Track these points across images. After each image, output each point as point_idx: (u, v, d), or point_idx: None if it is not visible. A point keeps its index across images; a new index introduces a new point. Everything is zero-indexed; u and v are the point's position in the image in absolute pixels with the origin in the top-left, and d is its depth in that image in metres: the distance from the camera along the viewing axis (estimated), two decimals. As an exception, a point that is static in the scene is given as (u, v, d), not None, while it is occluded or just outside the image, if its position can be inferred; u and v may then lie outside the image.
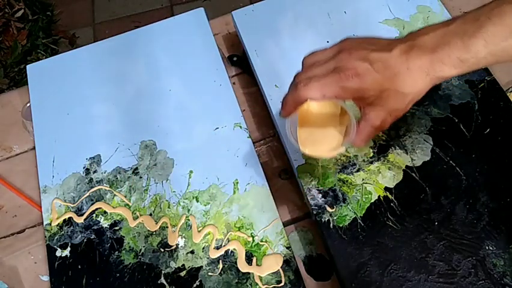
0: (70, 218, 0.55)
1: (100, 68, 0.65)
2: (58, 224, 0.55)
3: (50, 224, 0.55)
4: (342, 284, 0.47)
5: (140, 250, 0.52)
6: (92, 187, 0.57)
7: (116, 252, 0.52)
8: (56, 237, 0.54)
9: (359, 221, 0.49)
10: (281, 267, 0.49)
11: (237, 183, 0.54)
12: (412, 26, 0.60)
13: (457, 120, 0.54)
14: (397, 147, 0.53)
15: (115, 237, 0.53)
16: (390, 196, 0.50)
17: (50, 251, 0.53)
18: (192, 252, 0.51)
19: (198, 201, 0.54)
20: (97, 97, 0.63)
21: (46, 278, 0.55)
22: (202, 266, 0.50)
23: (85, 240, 0.53)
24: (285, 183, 0.58)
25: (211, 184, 0.55)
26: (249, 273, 0.49)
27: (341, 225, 0.49)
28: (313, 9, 0.64)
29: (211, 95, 0.60)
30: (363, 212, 0.49)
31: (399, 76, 0.37)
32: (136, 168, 0.57)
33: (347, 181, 0.52)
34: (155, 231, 0.53)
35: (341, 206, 0.50)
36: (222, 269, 0.50)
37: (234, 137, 0.57)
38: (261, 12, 0.64)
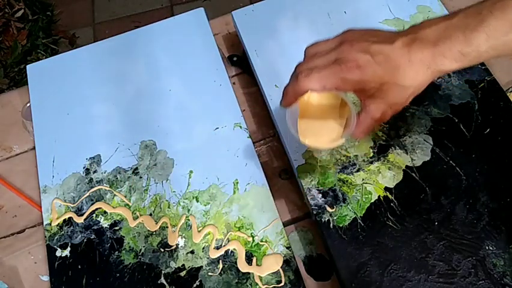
0: (70, 218, 0.55)
1: (100, 68, 0.65)
2: (58, 224, 0.55)
3: (50, 224, 0.55)
4: (342, 284, 0.47)
5: (140, 250, 0.52)
6: (92, 187, 0.57)
7: (116, 252, 0.52)
8: (56, 237, 0.54)
9: (359, 221, 0.49)
10: (281, 267, 0.49)
11: (237, 183, 0.54)
12: (412, 26, 0.60)
13: (457, 120, 0.54)
14: (397, 147, 0.53)
15: (115, 237, 0.53)
16: (390, 196, 0.50)
17: (50, 251, 0.53)
18: (192, 252, 0.51)
19: (198, 201, 0.54)
20: (97, 97, 0.63)
21: (46, 278, 0.55)
22: (202, 266, 0.50)
23: (85, 240, 0.53)
24: (285, 183, 0.58)
25: (211, 184, 0.55)
26: (249, 273, 0.49)
27: (341, 225, 0.49)
28: (313, 9, 0.64)
29: (211, 95, 0.60)
30: (363, 212, 0.49)
31: (401, 69, 0.36)
32: (136, 168, 0.57)
33: (347, 181, 0.52)
34: (155, 231, 0.53)
35: (341, 206, 0.50)
36: (222, 269, 0.50)
37: (234, 137, 0.57)
38: (261, 12, 0.64)
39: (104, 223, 0.54)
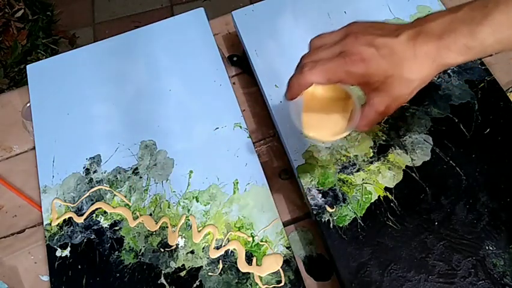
0: (70, 218, 0.55)
1: (100, 68, 0.65)
2: (58, 224, 0.55)
3: (50, 224, 0.55)
4: (342, 284, 0.47)
5: (140, 250, 0.52)
6: (92, 187, 0.57)
7: (116, 252, 0.52)
8: (56, 237, 0.54)
9: (359, 221, 0.49)
10: (281, 267, 0.49)
11: (237, 183, 0.54)
12: (412, 26, 0.60)
13: (457, 120, 0.54)
14: (397, 147, 0.53)
15: (115, 237, 0.53)
16: (390, 196, 0.50)
17: (50, 251, 0.53)
18: (192, 252, 0.51)
19: (198, 201, 0.54)
20: (97, 97, 0.63)
21: (46, 278, 0.55)
22: (202, 266, 0.50)
23: (85, 240, 0.53)
24: (285, 183, 0.58)
25: (211, 184, 0.55)
26: (249, 273, 0.49)
27: (341, 225, 0.49)
28: (313, 9, 0.64)
29: (211, 95, 0.60)
30: (363, 212, 0.49)
31: (405, 62, 0.36)
32: (136, 168, 0.57)
33: (347, 181, 0.52)
34: (155, 231, 0.53)
35: (341, 206, 0.50)
36: (222, 269, 0.50)
37: (234, 137, 0.57)
38: (261, 12, 0.64)
39: (104, 223, 0.54)
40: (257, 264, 0.50)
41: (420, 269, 0.46)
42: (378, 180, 0.51)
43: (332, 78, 0.37)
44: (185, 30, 0.66)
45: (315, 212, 0.50)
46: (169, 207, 0.54)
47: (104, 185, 0.57)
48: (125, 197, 0.56)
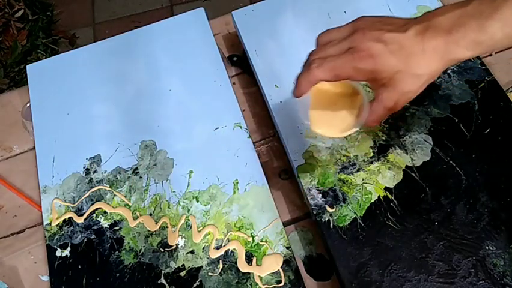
0: (70, 218, 0.55)
1: (100, 68, 0.65)
2: (58, 224, 0.55)
3: (50, 224, 0.55)
4: (342, 284, 0.47)
5: (140, 250, 0.52)
6: (92, 187, 0.57)
7: (116, 252, 0.52)
8: (56, 237, 0.54)
9: (359, 221, 0.49)
10: (281, 267, 0.49)
11: (237, 183, 0.54)
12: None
13: (457, 120, 0.54)
14: (397, 147, 0.53)
15: (115, 237, 0.53)
16: (390, 196, 0.50)
17: (50, 251, 0.53)
18: (192, 252, 0.51)
19: (198, 201, 0.54)
20: (97, 97, 0.63)
21: (46, 278, 0.55)
22: (202, 266, 0.50)
23: (85, 240, 0.53)
24: (285, 183, 0.58)
25: (211, 184, 0.55)
26: (249, 273, 0.49)
27: (341, 225, 0.49)
28: (313, 9, 0.64)
29: (211, 95, 0.60)
30: (363, 212, 0.49)
31: (414, 57, 0.36)
32: (136, 168, 0.57)
33: (347, 181, 0.52)
34: (155, 231, 0.53)
35: (341, 206, 0.50)
36: (222, 269, 0.50)
37: (234, 137, 0.57)
38: (261, 12, 0.64)
39: (104, 223, 0.54)
40: (257, 264, 0.50)
41: (420, 269, 0.46)
42: (378, 180, 0.51)
43: (341, 74, 0.37)
44: (185, 30, 0.66)
45: (315, 212, 0.50)
46: (169, 207, 0.54)
47: (104, 185, 0.57)
48: (125, 197, 0.56)
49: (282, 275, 0.49)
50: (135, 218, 0.54)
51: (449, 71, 0.57)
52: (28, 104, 0.65)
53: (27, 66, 0.66)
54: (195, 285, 0.50)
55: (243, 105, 0.64)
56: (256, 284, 0.49)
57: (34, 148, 0.62)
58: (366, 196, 0.50)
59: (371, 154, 0.53)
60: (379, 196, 0.50)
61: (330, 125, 0.43)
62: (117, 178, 0.57)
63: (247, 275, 0.49)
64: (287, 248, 0.50)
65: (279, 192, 0.57)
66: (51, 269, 0.52)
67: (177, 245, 0.52)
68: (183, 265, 0.51)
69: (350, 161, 0.53)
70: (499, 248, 0.46)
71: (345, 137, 0.53)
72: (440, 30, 0.36)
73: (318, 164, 0.53)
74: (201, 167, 0.56)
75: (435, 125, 0.54)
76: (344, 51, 0.38)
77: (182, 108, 0.60)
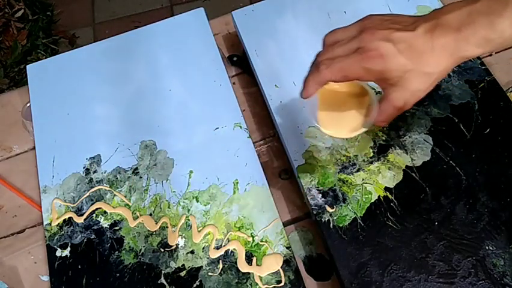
0: (70, 218, 0.55)
1: (100, 68, 0.65)
2: (58, 224, 0.55)
3: (50, 224, 0.55)
4: (342, 284, 0.47)
5: (140, 250, 0.52)
6: (92, 187, 0.57)
7: (116, 252, 0.52)
8: (56, 237, 0.54)
9: (359, 221, 0.49)
10: (281, 267, 0.49)
11: (237, 183, 0.54)
12: (412, 26, 0.60)
13: (457, 120, 0.54)
14: (397, 147, 0.53)
15: (115, 237, 0.53)
16: (390, 196, 0.50)
17: (50, 251, 0.53)
18: (192, 252, 0.51)
19: (198, 201, 0.54)
20: (97, 97, 0.63)
21: (46, 278, 0.55)
22: (202, 266, 0.50)
23: (85, 240, 0.53)
24: (285, 183, 0.58)
25: (211, 184, 0.55)
26: (249, 273, 0.49)
27: (341, 225, 0.49)
28: (313, 9, 0.64)
29: (211, 95, 0.60)
30: (363, 212, 0.49)
31: (424, 56, 0.36)
32: (136, 168, 0.57)
33: (347, 181, 0.52)
34: (155, 231, 0.53)
35: (341, 206, 0.50)
36: (222, 269, 0.50)
37: (234, 137, 0.57)
38: (261, 12, 0.64)
39: (104, 223, 0.54)
40: (257, 264, 0.50)
41: (420, 269, 0.46)
42: (378, 180, 0.51)
43: (350, 75, 0.37)
44: (185, 30, 0.66)
45: (315, 212, 0.50)
46: (169, 207, 0.54)
47: (104, 185, 0.57)
48: (125, 197, 0.56)
49: (282, 275, 0.49)
50: (135, 218, 0.54)
51: (449, 71, 0.57)
52: (28, 104, 0.65)
53: (27, 66, 0.66)
54: (194, 285, 0.50)
55: (243, 105, 0.64)
56: (256, 284, 0.49)
57: (34, 148, 0.62)
58: (366, 196, 0.50)
59: (371, 154, 0.53)
60: (379, 196, 0.50)
61: (339, 126, 0.43)
62: (117, 178, 0.57)
63: (247, 275, 0.49)
64: (287, 248, 0.50)
65: (279, 192, 0.57)
66: (51, 269, 0.52)
67: (177, 245, 0.52)
68: (183, 265, 0.51)
69: (350, 161, 0.53)
70: (499, 248, 0.46)
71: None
72: (449, 28, 0.35)
73: (318, 164, 0.53)
74: (201, 167, 0.56)
75: (435, 125, 0.54)
76: (352, 52, 0.37)
77: (182, 108, 0.60)
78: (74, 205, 0.56)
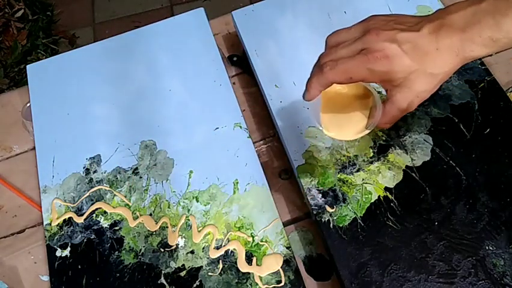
0: (70, 218, 0.55)
1: (100, 68, 0.65)
2: (58, 224, 0.55)
3: (50, 224, 0.55)
4: (342, 284, 0.47)
5: (140, 250, 0.52)
6: (92, 187, 0.57)
7: (116, 252, 0.52)
8: (56, 237, 0.54)
9: (359, 221, 0.49)
10: (281, 267, 0.49)
11: (237, 183, 0.54)
12: (412, 26, 0.60)
13: (457, 120, 0.54)
14: (397, 147, 0.53)
15: (115, 237, 0.53)
16: (390, 196, 0.50)
17: (50, 251, 0.53)
18: (192, 252, 0.51)
19: (198, 201, 0.54)
20: (97, 97, 0.63)
21: (46, 278, 0.55)
22: (202, 266, 0.50)
23: (85, 240, 0.53)
24: (285, 183, 0.58)
25: (211, 184, 0.55)
26: (249, 273, 0.49)
27: (341, 225, 0.49)
28: (313, 9, 0.64)
29: (211, 95, 0.60)
30: (363, 212, 0.49)
31: (429, 56, 0.36)
32: (136, 168, 0.57)
33: (347, 181, 0.52)
34: (155, 231, 0.53)
35: (341, 206, 0.50)
36: (222, 269, 0.50)
37: (234, 137, 0.57)
38: (261, 12, 0.64)
39: (104, 223, 0.54)
40: (257, 264, 0.50)
41: (420, 269, 0.46)
42: (378, 180, 0.51)
43: (355, 77, 0.37)
44: (185, 30, 0.66)
45: (315, 212, 0.50)
46: (169, 207, 0.54)
47: (104, 185, 0.57)
48: (125, 197, 0.56)
49: (282, 275, 0.49)
50: (135, 218, 0.54)
51: (449, 71, 0.57)
52: (28, 104, 0.65)
53: (27, 66, 0.66)
54: (194, 285, 0.50)
55: (243, 105, 0.64)
56: (256, 284, 0.49)
57: (34, 148, 0.62)
58: (366, 196, 0.50)
59: (371, 154, 0.53)
60: (379, 196, 0.50)
61: (343, 128, 0.42)
62: (117, 178, 0.57)
63: (247, 275, 0.49)
64: (287, 248, 0.50)
65: (279, 192, 0.57)
66: (51, 269, 0.52)
67: (177, 245, 0.52)
68: (183, 265, 0.51)
69: (350, 161, 0.53)
70: (499, 248, 0.46)
71: None
72: (455, 28, 0.35)
73: (318, 164, 0.53)
74: (201, 167, 0.56)
75: (435, 125, 0.54)
76: (357, 53, 0.37)
77: (182, 108, 0.60)
78: (74, 205, 0.56)
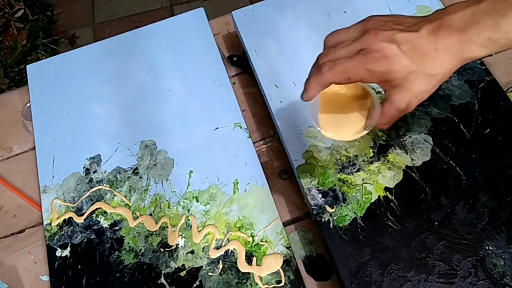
0: (70, 218, 0.55)
1: (100, 68, 0.65)
2: (58, 224, 0.55)
3: (50, 224, 0.55)
4: (342, 284, 0.47)
5: (140, 250, 0.52)
6: (92, 187, 0.57)
7: (116, 252, 0.52)
8: (56, 237, 0.54)
9: (359, 221, 0.49)
10: (281, 267, 0.49)
11: (237, 183, 0.54)
12: (412, 26, 0.60)
13: (457, 120, 0.54)
14: (397, 147, 0.53)
15: (115, 237, 0.53)
16: (390, 196, 0.50)
17: (50, 251, 0.53)
18: (192, 252, 0.51)
19: (198, 201, 0.54)
20: (97, 97, 0.63)
21: (46, 278, 0.55)
22: (202, 266, 0.50)
23: (85, 240, 0.53)
24: (285, 183, 0.58)
25: (211, 184, 0.55)
26: (249, 273, 0.49)
27: (341, 225, 0.49)
28: (313, 9, 0.64)
29: (211, 95, 0.60)
30: (363, 212, 0.49)
31: (428, 57, 0.36)
32: (136, 168, 0.57)
33: (347, 181, 0.52)
34: (155, 231, 0.53)
35: (341, 206, 0.50)
36: (222, 269, 0.50)
37: (234, 137, 0.57)
38: (261, 12, 0.64)
39: (104, 223, 0.54)
40: (257, 264, 0.50)
41: (420, 269, 0.46)
42: (378, 180, 0.51)
43: (353, 77, 0.37)
44: (185, 30, 0.66)
45: (315, 212, 0.50)
46: (169, 207, 0.54)
47: (104, 185, 0.57)
48: (125, 197, 0.56)
49: (282, 275, 0.49)
50: (135, 218, 0.54)
51: (449, 71, 0.57)
52: (28, 104, 0.65)
53: (27, 66, 0.66)
54: (194, 285, 0.50)
55: (243, 105, 0.64)
56: (256, 284, 0.49)
57: (34, 148, 0.62)
58: (366, 196, 0.50)
59: (371, 154, 0.53)
60: (379, 196, 0.50)
61: (341, 128, 0.42)
62: (117, 178, 0.57)
63: (247, 275, 0.49)
64: (287, 248, 0.50)
65: (279, 192, 0.57)
66: (51, 269, 0.52)
67: (177, 245, 0.52)
68: (183, 265, 0.51)
69: (350, 161, 0.53)
70: (499, 248, 0.46)
71: None
72: (453, 29, 0.35)
73: (318, 164, 0.53)
74: (201, 167, 0.56)
75: (435, 125, 0.54)
76: (355, 53, 0.37)
77: (182, 108, 0.60)
78: (74, 205, 0.56)
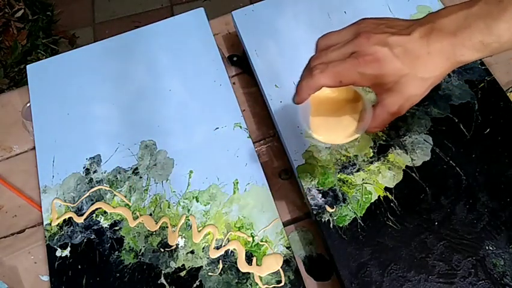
0: (70, 218, 0.55)
1: (100, 68, 0.65)
2: (58, 224, 0.55)
3: (50, 224, 0.55)
4: (342, 284, 0.47)
5: (140, 250, 0.52)
6: (92, 187, 0.57)
7: (116, 252, 0.52)
8: (56, 237, 0.54)
9: (359, 221, 0.49)
10: (281, 267, 0.49)
11: (237, 183, 0.54)
12: (412, 26, 0.60)
13: (457, 120, 0.54)
14: (397, 147, 0.53)
15: (115, 237, 0.53)
16: (390, 196, 0.50)
17: (50, 251, 0.53)
18: (192, 252, 0.51)
19: (198, 201, 0.54)
20: (97, 97, 0.63)
21: (46, 278, 0.55)
22: (202, 266, 0.50)
23: (85, 240, 0.53)
24: (285, 183, 0.58)
25: (211, 184, 0.55)
26: (249, 273, 0.49)
27: (341, 225, 0.49)
28: (313, 9, 0.64)
29: (211, 95, 0.60)
30: (363, 212, 0.49)
31: (420, 60, 0.36)
32: (136, 168, 0.57)
33: (347, 181, 0.52)
34: (155, 231, 0.53)
35: (341, 206, 0.50)
36: (222, 269, 0.50)
37: (234, 137, 0.57)
38: (261, 12, 0.64)
39: (104, 223, 0.54)
40: (257, 264, 0.50)
41: (420, 269, 0.46)
42: (378, 180, 0.51)
43: (345, 80, 0.36)
44: (185, 30, 0.66)
45: (315, 212, 0.50)
46: (169, 207, 0.54)
47: (104, 185, 0.57)
48: (125, 197, 0.56)
49: (282, 275, 0.49)
50: (135, 218, 0.54)
51: (449, 71, 0.57)
52: (28, 104, 0.65)
53: (27, 66, 0.66)
54: (194, 285, 0.50)
55: (243, 105, 0.64)
56: (256, 284, 0.49)
57: (34, 148, 0.62)
58: (366, 196, 0.50)
59: (371, 154, 0.53)
60: (379, 196, 0.50)
61: (332, 132, 0.42)
62: (117, 178, 0.57)
63: (247, 275, 0.49)
64: (287, 248, 0.50)
65: (279, 192, 0.57)
66: (51, 269, 0.52)
67: (177, 245, 0.52)
68: (183, 265, 0.51)
69: (350, 161, 0.53)
70: (499, 248, 0.46)
71: None
72: (445, 32, 0.35)
73: (318, 164, 0.53)
74: (201, 167, 0.56)
75: (435, 125, 0.54)
76: (347, 56, 0.37)
77: (182, 108, 0.60)
78: (74, 205, 0.56)
